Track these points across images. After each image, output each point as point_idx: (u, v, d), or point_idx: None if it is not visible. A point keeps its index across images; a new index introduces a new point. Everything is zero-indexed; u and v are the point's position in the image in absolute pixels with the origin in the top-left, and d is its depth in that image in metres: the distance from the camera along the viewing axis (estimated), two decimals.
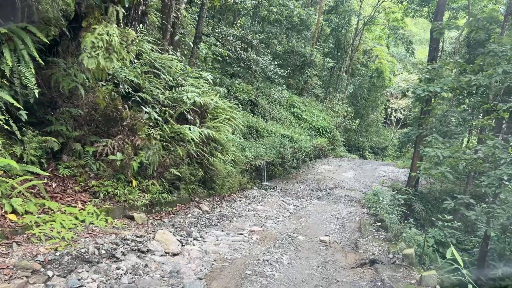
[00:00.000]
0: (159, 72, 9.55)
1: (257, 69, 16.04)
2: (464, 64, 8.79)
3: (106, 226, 6.52)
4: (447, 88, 8.34)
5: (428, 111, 17.46)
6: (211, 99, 10.68)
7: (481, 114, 19.27)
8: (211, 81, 10.12)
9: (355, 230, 9.77)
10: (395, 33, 28.55)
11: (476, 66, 8.68)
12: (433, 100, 13.67)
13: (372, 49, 34.38)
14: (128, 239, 6.23)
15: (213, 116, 10.74)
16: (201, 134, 9.02)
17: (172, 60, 10.45)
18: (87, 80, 7.36)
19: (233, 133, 12.42)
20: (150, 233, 6.82)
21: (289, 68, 21.64)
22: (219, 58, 16.45)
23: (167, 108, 8.64)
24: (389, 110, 40.09)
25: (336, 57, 30.22)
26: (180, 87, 9.49)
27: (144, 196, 7.92)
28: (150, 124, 8.19)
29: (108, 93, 7.60)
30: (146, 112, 8.09)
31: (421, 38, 41.48)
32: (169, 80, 9.80)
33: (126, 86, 8.44)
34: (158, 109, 8.39)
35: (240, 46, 15.66)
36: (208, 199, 10.51)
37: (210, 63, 12.90)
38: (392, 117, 40.29)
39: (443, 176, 8.91)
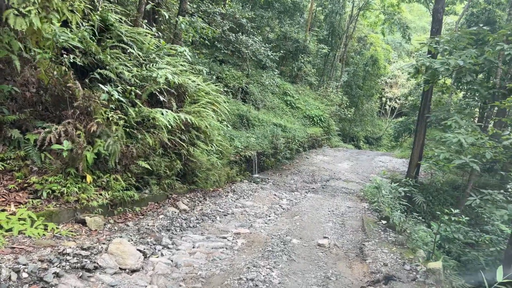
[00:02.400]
0: (128, 47, 7.85)
1: (247, 51, 14.35)
2: (489, 33, 7.20)
3: (43, 235, 4.90)
4: (470, 62, 6.80)
5: (429, 95, 15.99)
6: (192, 80, 9.04)
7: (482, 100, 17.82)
8: (189, 57, 8.45)
9: (358, 230, 8.23)
10: (392, 18, 26.86)
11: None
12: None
13: (367, 36, 32.65)
14: (68, 254, 4.61)
15: (194, 100, 9.10)
16: (176, 119, 7.37)
17: (145, 35, 8.76)
18: (34, 50, 5.68)
19: (220, 121, 10.82)
20: (103, 243, 5.20)
21: (282, 51, 19.90)
22: (207, 42, 14.76)
23: (132, 88, 6.96)
24: (383, 99, 38.50)
25: (330, 44, 28.50)
26: (152, 64, 7.81)
27: (103, 194, 6.29)
28: (111, 106, 6.52)
29: (53, 66, 5.90)
30: (107, 92, 6.41)
31: (416, 26, 39.87)
32: (141, 57, 8.11)
33: (83, 60, 6.76)
34: (120, 88, 6.70)
35: (228, 27, 13.95)
36: (188, 196, 8.90)
37: (190, 38, 11.20)
38: (387, 107, 38.72)
39: (466, 166, 7.39)
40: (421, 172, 17.36)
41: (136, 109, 6.93)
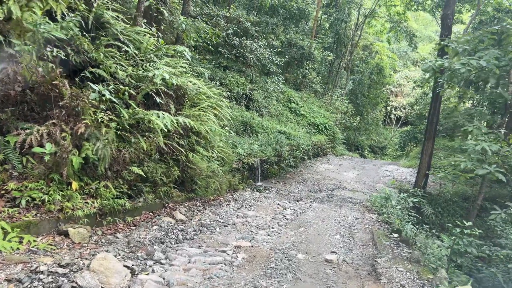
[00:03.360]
0: (124, 46, 7.30)
1: (251, 56, 13.81)
2: None
3: (17, 249, 4.29)
4: (494, 63, 6.17)
5: (438, 103, 15.34)
6: (193, 83, 8.47)
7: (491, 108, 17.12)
8: (189, 57, 7.88)
9: (368, 244, 7.55)
10: (398, 26, 26.28)
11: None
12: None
13: (372, 44, 32.07)
14: (42, 272, 3.99)
15: (194, 104, 8.52)
16: (174, 122, 6.78)
17: (144, 35, 8.21)
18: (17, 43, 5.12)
19: (222, 127, 10.23)
20: (86, 258, 4.58)
21: (286, 56, 19.30)
22: (210, 47, 14.25)
23: (126, 88, 6.38)
24: (388, 108, 37.79)
25: (336, 52, 27.95)
26: (150, 64, 7.24)
27: (92, 203, 5.68)
28: (102, 107, 5.94)
29: (37, 62, 5.33)
30: (97, 91, 5.83)
31: (422, 35, 39.32)
32: (138, 56, 7.55)
33: (75, 59, 6.22)
34: (113, 87, 6.12)
35: (232, 31, 13.43)
36: (186, 204, 8.27)
37: (191, 40, 10.64)
38: (392, 116, 37.98)
39: (491, 176, 6.71)
40: (429, 182, 16.63)
41: (130, 110, 6.34)
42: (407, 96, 36.36)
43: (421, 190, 14.10)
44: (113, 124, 6.00)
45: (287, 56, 19.22)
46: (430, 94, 26.41)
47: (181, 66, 8.43)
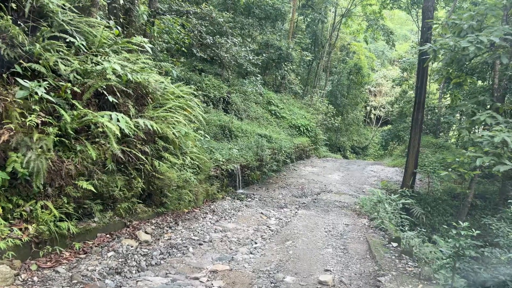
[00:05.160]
0: (70, 38, 6.03)
1: (226, 55, 12.67)
2: None
3: None
4: (509, 36, 5.23)
5: (423, 98, 14.52)
6: (160, 81, 7.27)
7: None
8: (149, 49, 6.65)
9: (365, 257, 6.46)
10: (375, 24, 25.65)
11: None
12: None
13: (350, 44, 31.41)
14: None
15: (160, 104, 7.30)
16: (131, 125, 5.54)
17: (98, 27, 6.97)
18: None
19: (195, 130, 9.04)
20: None
21: (264, 55, 18.24)
22: (184, 49, 13.05)
23: (68, 84, 5.12)
24: (368, 108, 37.19)
25: (314, 52, 27.09)
26: (102, 57, 6.00)
27: (25, 229, 4.39)
28: (35, 108, 4.67)
29: None
30: (28, 88, 4.56)
31: (397, 34, 39.03)
32: (87, 49, 6.30)
33: (8, 53, 4.95)
34: (48, 83, 4.85)
35: (204, 29, 12.27)
36: (154, 221, 7.01)
37: (154, 33, 9.44)
38: (372, 115, 37.38)
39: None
40: (416, 181, 15.77)
41: (75, 112, 5.08)
42: (386, 96, 35.85)
43: (409, 190, 13.21)
44: (52, 130, 4.74)
45: (264, 55, 18.14)
46: (410, 92, 25.84)
47: (143, 62, 7.21)
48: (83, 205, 5.29)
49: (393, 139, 24.13)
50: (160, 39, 11.95)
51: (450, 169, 8.79)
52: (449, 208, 14.98)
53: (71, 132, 4.96)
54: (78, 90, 5.11)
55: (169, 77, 8.09)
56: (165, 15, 11.40)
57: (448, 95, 21.06)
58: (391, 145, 25.04)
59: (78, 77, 5.39)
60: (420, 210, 13.78)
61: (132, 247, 5.54)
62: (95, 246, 5.27)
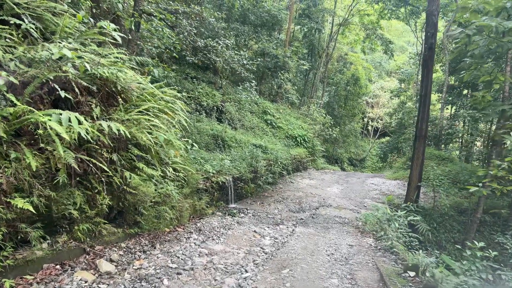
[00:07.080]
0: (22, 23, 4.88)
1: (218, 59, 11.59)
2: None
3: None
4: None
5: (427, 107, 13.49)
6: (137, 80, 6.12)
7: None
8: (117, 37, 5.48)
9: None
10: (374, 33, 24.79)
11: None
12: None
13: (347, 55, 30.53)
14: None
15: (136, 105, 6.12)
16: (88, 128, 4.34)
17: (62, 14, 5.83)
18: None
19: (180, 138, 7.88)
20: None
21: (259, 60, 17.17)
22: (175, 55, 11.96)
23: (3, 73, 3.93)
24: (365, 119, 36.16)
25: (311, 63, 26.13)
26: (58, 44, 4.82)
27: None
28: None
29: None
30: None
31: (395, 45, 38.33)
32: (50, 41, 5.15)
33: None
34: None
35: (195, 31, 11.21)
36: (125, 244, 5.76)
37: (142, 36, 8.32)
38: (369, 127, 36.33)
39: None
40: (420, 195, 14.59)
41: (11, 110, 3.88)
42: (383, 107, 34.87)
43: (413, 205, 12.09)
44: None
45: (259, 60, 17.07)
46: (409, 104, 24.85)
47: (115, 57, 6.05)
48: (22, 229, 4.06)
49: (392, 151, 23.03)
50: (149, 44, 10.87)
51: (480, 184, 7.64)
52: (456, 224, 13.79)
53: (4, 135, 3.76)
54: (16, 81, 3.91)
55: (149, 77, 6.93)
56: (153, 15, 10.30)
57: (449, 106, 20.04)
58: (390, 157, 23.91)
59: (22, 66, 4.20)
60: (426, 226, 12.55)
61: (86, 282, 4.28)
62: (36, 283, 4.01)
